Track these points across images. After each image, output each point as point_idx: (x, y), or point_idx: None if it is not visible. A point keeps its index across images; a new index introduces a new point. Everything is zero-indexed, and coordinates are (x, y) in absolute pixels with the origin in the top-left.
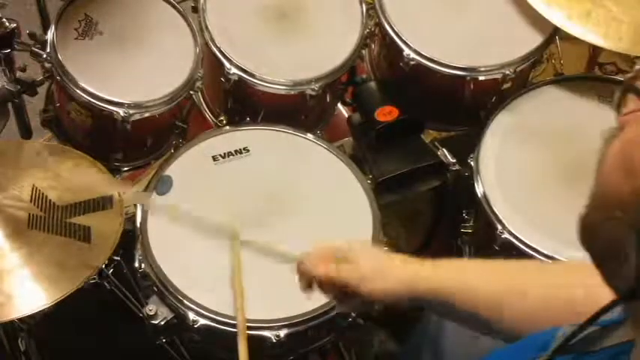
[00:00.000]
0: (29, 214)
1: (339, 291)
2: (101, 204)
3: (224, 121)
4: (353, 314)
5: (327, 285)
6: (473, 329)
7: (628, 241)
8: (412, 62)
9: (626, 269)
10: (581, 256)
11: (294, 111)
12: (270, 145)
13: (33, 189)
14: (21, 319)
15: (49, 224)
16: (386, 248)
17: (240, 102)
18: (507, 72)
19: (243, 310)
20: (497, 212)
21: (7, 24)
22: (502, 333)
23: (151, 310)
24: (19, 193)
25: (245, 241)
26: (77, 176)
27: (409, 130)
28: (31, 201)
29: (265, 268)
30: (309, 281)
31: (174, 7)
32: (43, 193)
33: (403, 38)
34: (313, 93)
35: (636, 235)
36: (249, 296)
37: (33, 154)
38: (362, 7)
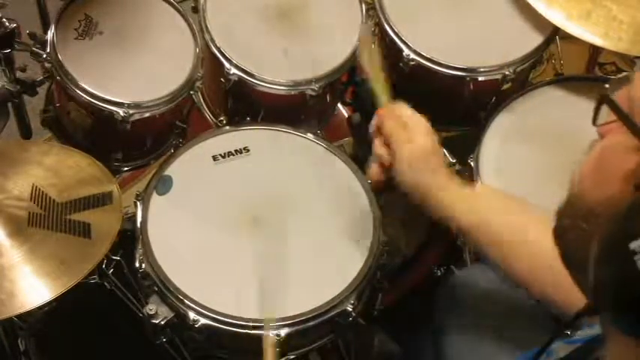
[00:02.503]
0: (29, 213)
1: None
2: (100, 200)
3: (224, 121)
4: (351, 311)
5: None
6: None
7: (589, 254)
8: (412, 62)
9: (586, 282)
10: None
11: (294, 111)
12: (270, 145)
13: (33, 188)
14: (21, 318)
15: (49, 222)
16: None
17: (240, 102)
18: (507, 72)
19: None
20: None
21: (7, 24)
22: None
23: (151, 310)
24: (19, 193)
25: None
26: (77, 173)
27: None
28: (31, 199)
29: (265, 268)
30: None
31: (174, 7)
32: (42, 192)
33: (403, 38)
34: (313, 93)
35: (597, 249)
36: (250, 296)
37: (33, 154)
38: (362, 7)
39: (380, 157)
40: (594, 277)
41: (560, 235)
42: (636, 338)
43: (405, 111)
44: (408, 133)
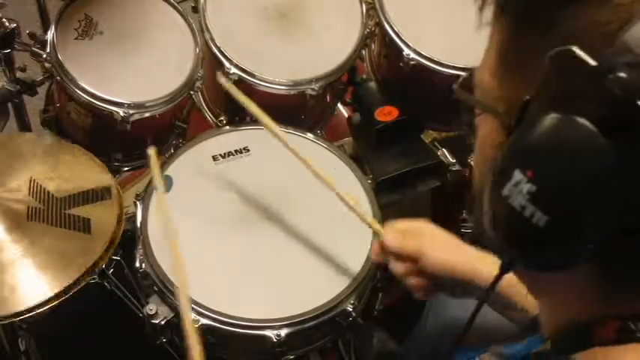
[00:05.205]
0: (28, 207)
1: (408, 268)
2: (100, 195)
3: (224, 121)
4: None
5: (398, 262)
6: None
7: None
8: (412, 62)
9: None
10: None
11: (294, 111)
12: (270, 145)
13: (31, 181)
14: (21, 318)
15: (48, 216)
16: None
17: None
18: None
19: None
20: None
21: (7, 24)
22: None
23: (151, 310)
24: (17, 187)
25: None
26: (75, 168)
27: (409, 130)
28: (29, 194)
29: (266, 268)
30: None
31: (174, 7)
32: (41, 186)
33: (403, 38)
34: (313, 93)
35: (487, 210)
36: (250, 296)
37: (30, 147)
38: (362, 7)
39: (404, 275)
40: (494, 236)
41: (476, 221)
42: (552, 272)
43: (408, 225)
44: (418, 235)
